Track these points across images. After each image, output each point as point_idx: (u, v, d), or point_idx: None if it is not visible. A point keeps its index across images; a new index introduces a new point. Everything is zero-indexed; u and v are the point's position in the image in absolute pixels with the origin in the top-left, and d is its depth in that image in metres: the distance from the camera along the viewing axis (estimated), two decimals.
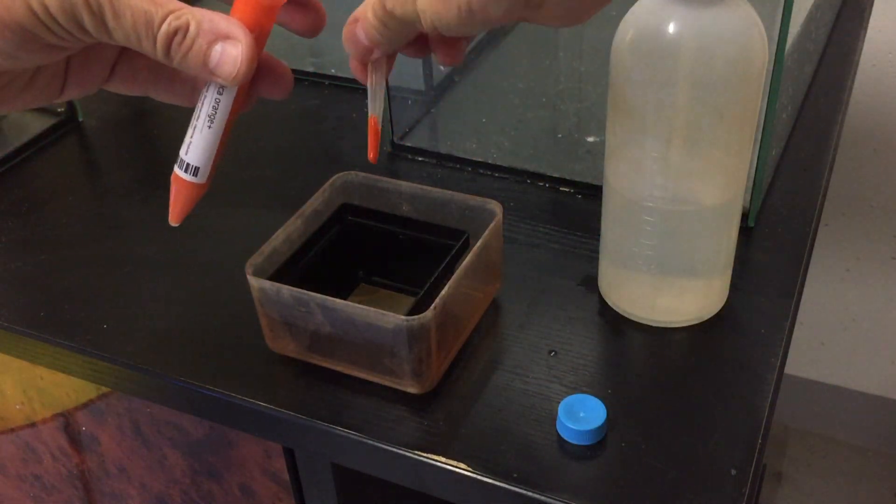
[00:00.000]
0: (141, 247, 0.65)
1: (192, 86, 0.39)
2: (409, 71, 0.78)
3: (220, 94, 0.37)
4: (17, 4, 0.32)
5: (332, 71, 0.85)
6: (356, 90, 0.84)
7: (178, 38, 0.34)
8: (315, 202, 0.57)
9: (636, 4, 0.48)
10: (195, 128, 0.37)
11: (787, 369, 1.21)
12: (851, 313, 1.39)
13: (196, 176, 0.38)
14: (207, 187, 0.39)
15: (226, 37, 0.34)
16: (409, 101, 0.77)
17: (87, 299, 0.60)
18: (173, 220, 0.39)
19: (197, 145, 0.37)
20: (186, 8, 0.35)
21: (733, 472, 0.46)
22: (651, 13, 0.47)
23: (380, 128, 0.43)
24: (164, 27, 0.34)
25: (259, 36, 0.36)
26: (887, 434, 1.47)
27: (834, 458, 1.48)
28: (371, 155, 0.43)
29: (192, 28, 0.34)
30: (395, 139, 0.73)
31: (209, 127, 0.37)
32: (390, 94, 0.71)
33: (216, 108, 0.37)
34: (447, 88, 0.81)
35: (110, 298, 0.60)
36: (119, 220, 0.69)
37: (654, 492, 0.45)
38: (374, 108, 0.43)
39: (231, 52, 0.34)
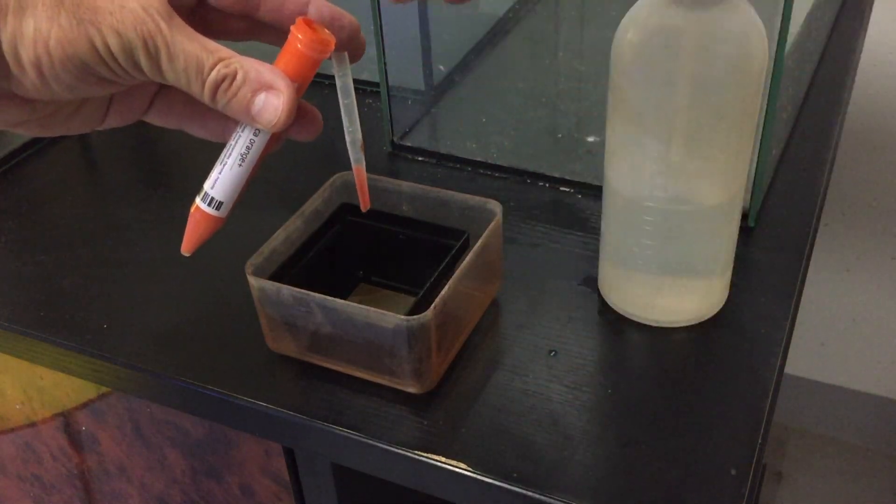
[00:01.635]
0: (141, 247, 0.65)
1: (224, 124, 0.40)
2: (409, 71, 0.78)
3: (256, 135, 0.38)
4: (82, 41, 0.34)
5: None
6: (357, 90, 0.83)
7: (224, 85, 0.36)
8: (315, 202, 0.57)
9: (636, 4, 0.48)
10: (225, 164, 0.38)
11: (787, 369, 1.21)
12: (851, 313, 1.39)
13: (218, 210, 0.39)
14: (224, 222, 0.40)
15: (269, 87, 0.36)
16: (409, 101, 0.77)
17: (87, 299, 0.60)
18: (186, 250, 0.40)
19: (225, 181, 0.38)
20: (236, 57, 0.36)
21: (733, 472, 0.46)
22: (651, 13, 0.47)
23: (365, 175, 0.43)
24: (214, 74, 0.36)
25: (300, 86, 0.37)
26: (887, 434, 1.47)
27: (834, 458, 1.47)
28: (363, 205, 0.44)
29: (239, 76, 0.36)
30: (394, 139, 0.73)
31: (240, 165, 0.38)
32: (390, 94, 0.71)
33: (249, 148, 0.38)
34: (447, 88, 0.81)
35: (110, 298, 0.60)
36: (119, 220, 0.68)
37: (653, 492, 0.45)
38: (358, 159, 0.43)
39: (273, 101, 0.36)
